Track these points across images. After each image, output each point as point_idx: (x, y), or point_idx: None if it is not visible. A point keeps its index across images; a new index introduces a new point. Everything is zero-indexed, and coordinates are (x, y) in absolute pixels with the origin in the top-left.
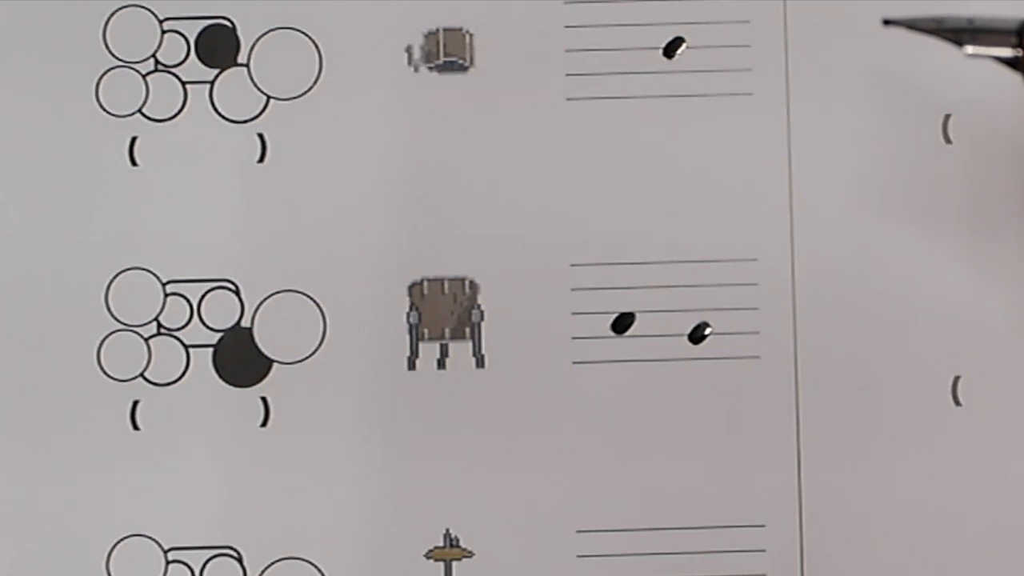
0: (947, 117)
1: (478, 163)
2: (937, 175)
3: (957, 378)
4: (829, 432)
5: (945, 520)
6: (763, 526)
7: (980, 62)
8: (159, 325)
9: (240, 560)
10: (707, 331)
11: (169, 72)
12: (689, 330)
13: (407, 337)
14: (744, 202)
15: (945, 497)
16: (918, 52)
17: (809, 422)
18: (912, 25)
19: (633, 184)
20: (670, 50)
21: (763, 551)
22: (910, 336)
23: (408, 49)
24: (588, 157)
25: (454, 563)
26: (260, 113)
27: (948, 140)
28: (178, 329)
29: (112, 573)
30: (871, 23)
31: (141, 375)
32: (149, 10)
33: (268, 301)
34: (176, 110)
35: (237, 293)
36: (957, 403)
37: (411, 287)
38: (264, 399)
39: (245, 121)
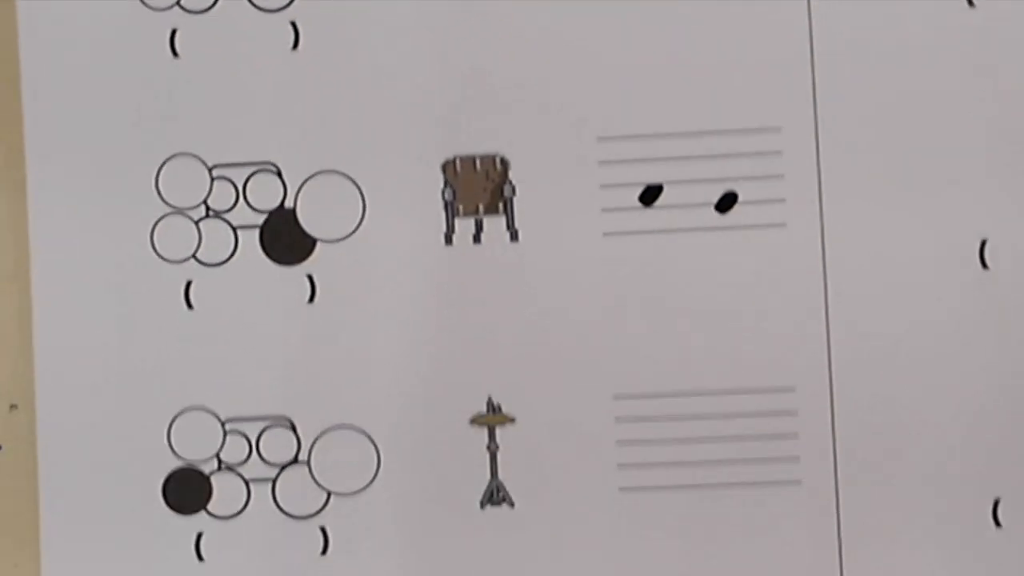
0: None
1: (506, 40)
2: None
3: None
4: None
5: None
6: (793, 389)
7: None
8: (207, 208)
9: (294, 429)
10: (735, 201)
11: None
12: (716, 199)
13: (443, 213)
14: (766, 72)
15: None
16: None
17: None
18: None
19: (660, 56)
20: None
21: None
22: None
23: None
24: (614, 29)
25: (497, 428)
26: None
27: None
28: (226, 212)
29: (173, 442)
30: None
31: (193, 256)
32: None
33: (309, 182)
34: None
35: (279, 175)
36: None
37: (444, 165)
38: (310, 276)
39: None
